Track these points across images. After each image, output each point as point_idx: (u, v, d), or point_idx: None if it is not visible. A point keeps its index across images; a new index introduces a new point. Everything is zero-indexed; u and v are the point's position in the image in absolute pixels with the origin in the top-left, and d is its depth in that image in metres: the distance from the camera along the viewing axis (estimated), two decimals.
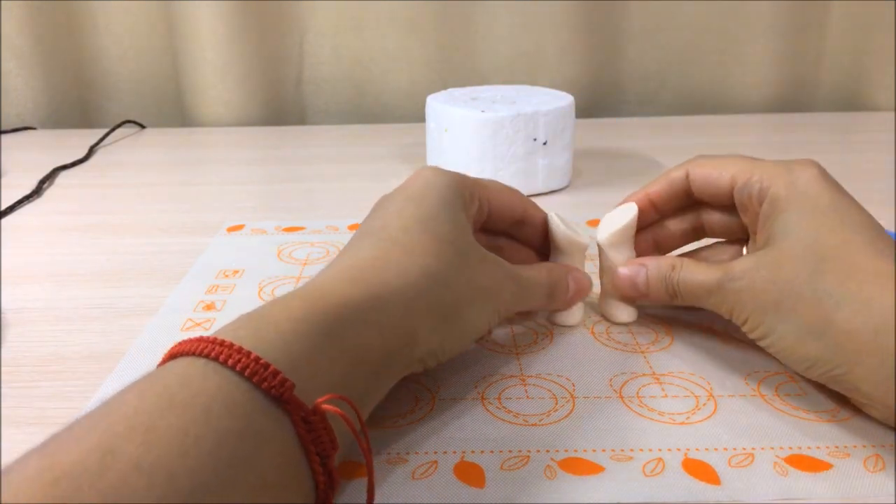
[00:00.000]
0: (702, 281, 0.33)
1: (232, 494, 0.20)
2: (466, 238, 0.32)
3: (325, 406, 0.23)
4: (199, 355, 0.23)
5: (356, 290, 0.27)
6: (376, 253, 0.30)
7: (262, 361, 0.22)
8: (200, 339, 0.23)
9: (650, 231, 0.39)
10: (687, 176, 0.37)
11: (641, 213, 0.38)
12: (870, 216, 0.31)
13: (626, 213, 0.37)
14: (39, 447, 0.19)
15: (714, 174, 0.35)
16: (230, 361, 0.22)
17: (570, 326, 0.39)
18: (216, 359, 0.22)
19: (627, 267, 0.36)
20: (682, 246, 0.40)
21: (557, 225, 0.37)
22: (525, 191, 0.59)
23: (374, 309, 0.27)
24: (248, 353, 0.22)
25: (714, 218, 0.37)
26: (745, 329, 0.32)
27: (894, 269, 0.28)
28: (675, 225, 0.39)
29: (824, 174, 0.32)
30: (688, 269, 0.34)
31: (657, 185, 0.38)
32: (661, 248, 0.40)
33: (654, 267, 0.35)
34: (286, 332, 0.24)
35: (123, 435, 0.19)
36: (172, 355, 0.23)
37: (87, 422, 0.20)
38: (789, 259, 0.30)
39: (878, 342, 0.27)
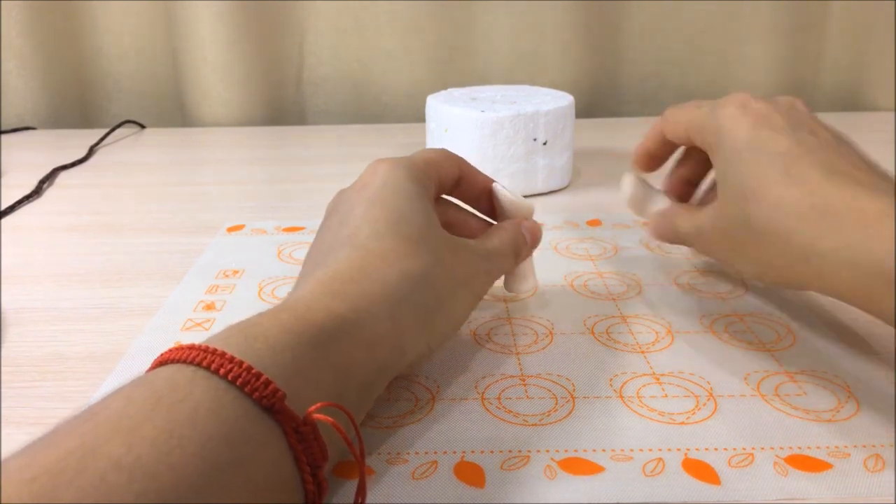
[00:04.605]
0: (685, 233, 0.37)
1: (219, 497, 0.20)
2: (437, 231, 0.32)
3: (317, 416, 0.23)
4: (189, 363, 0.22)
5: (340, 305, 0.27)
6: (353, 263, 0.29)
7: (253, 371, 0.22)
8: (190, 347, 0.23)
9: (677, 173, 0.43)
10: (664, 133, 0.40)
11: (649, 165, 0.43)
12: (790, 137, 0.31)
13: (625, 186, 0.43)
14: (22, 449, 0.19)
15: (678, 134, 0.38)
16: (221, 370, 0.22)
17: (524, 294, 0.41)
18: (207, 367, 0.22)
19: (651, 219, 0.41)
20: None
21: (503, 192, 0.38)
22: (525, 191, 0.59)
23: (358, 323, 0.27)
24: (240, 363, 0.22)
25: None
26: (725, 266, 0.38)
27: (808, 192, 0.29)
28: (678, 173, 0.43)
29: (744, 106, 0.33)
30: (679, 218, 0.38)
31: (648, 140, 0.42)
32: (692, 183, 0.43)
33: (660, 217, 0.40)
34: (276, 343, 0.24)
35: (105, 436, 0.19)
36: (161, 362, 0.23)
37: (70, 425, 0.20)
38: (725, 208, 0.33)
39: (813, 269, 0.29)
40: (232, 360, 0.22)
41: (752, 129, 0.32)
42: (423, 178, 0.34)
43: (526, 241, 0.37)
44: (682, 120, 0.37)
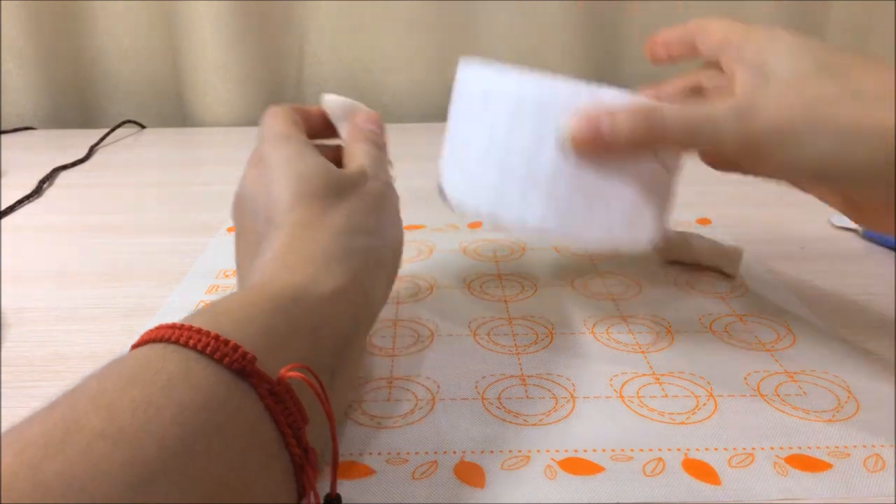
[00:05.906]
0: (708, 113, 0.29)
1: (201, 463, 0.20)
2: (335, 176, 0.33)
3: (289, 373, 0.23)
4: (159, 341, 0.23)
5: (292, 274, 0.28)
6: (284, 240, 0.30)
7: (221, 339, 0.23)
8: (158, 327, 0.23)
9: (652, 88, 0.37)
10: (694, 34, 0.35)
11: (659, 56, 0.38)
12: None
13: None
14: (6, 431, 0.20)
15: (710, 44, 0.34)
16: (191, 342, 0.22)
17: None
18: (176, 341, 0.22)
19: (581, 111, 0.30)
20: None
21: (332, 98, 0.39)
22: None
23: (312, 284, 0.28)
24: (208, 333, 0.23)
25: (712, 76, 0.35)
26: (766, 162, 0.29)
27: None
28: (679, 82, 0.37)
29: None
30: (676, 106, 0.29)
31: (676, 35, 0.37)
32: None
33: (628, 104, 0.30)
34: (240, 317, 0.25)
35: (86, 409, 0.20)
36: (134, 346, 0.24)
37: (48, 405, 0.21)
38: (806, 77, 0.28)
39: None
40: (200, 331, 0.23)
41: (804, 36, 0.30)
42: (299, 125, 0.36)
43: (374, 131, 0.39)
44: (713, 32, 0.34)
